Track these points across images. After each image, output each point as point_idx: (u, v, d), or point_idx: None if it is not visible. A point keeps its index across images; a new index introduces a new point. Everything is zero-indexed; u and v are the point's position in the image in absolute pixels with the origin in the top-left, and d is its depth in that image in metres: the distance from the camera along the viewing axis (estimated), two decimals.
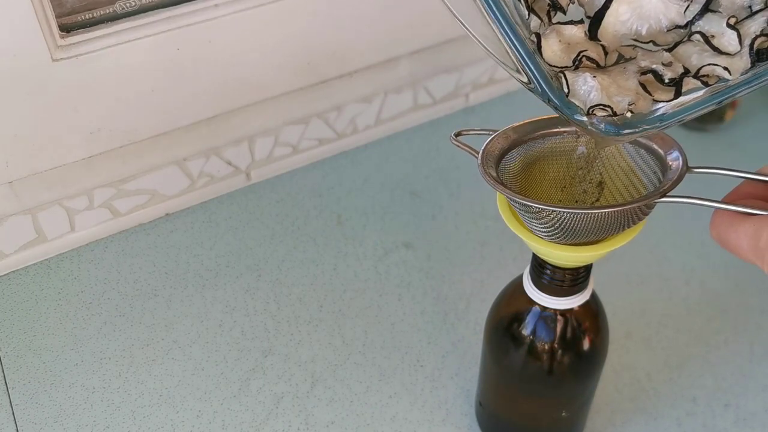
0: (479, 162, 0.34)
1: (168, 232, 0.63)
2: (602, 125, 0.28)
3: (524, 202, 0.32)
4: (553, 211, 0.31)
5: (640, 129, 0.28)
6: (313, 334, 0.56)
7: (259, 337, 0.55)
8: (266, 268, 0.60)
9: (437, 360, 0.54)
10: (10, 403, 0.51)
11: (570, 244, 0.34)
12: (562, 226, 0.32)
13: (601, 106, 0.28)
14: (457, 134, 0.37)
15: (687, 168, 0.32)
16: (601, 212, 0.31)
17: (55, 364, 0.54)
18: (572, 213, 0.31)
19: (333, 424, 0.50)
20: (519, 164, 0.36)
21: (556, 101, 0.28)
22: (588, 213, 0.31)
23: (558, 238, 0.34)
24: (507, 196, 0.33)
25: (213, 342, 0.55)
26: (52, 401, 0.52)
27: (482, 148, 0.35)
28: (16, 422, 0.50)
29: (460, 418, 0.50)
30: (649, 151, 0.34)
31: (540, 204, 0.31)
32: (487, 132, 0.36)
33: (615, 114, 0.28)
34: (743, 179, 0.31)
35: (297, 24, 0.59)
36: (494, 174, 0.34)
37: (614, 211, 0.31)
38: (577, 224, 0.32)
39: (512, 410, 0.46)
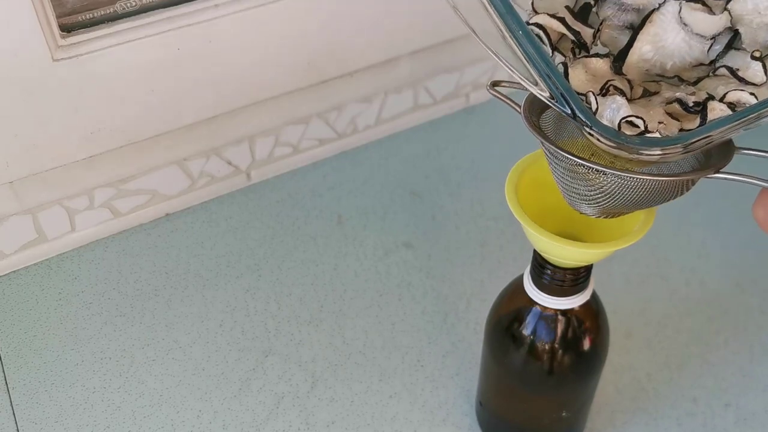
0: (523, 113, 0.32)
1: (168, 232, 0.63)
2: (628, 141, 0.26)
3: (577, 161, 0.29)
4: (603, 173, 0.30)
5: (664, 143, 0.26)
6: (313, 334, 0.56)
7: (260, 337, 0.56)
8: (266, 268, 0.60)
9: (437, 360, 0.54)
10: (11, 403, 0.51)
11: (603, 215, 0.33)
12: (605, 191, 0.31)
13: (632, 120, 0.26)
14: (494, 84, 0.35)
15: (735, 147, 0.31)
16: (655, 180, 0.29)
17: (55, 363, 0.54)
18: (625, 177, 0.29)
19: (333, 424, 0.50)
20: (552, 126, 0.34)
21: (580, 113, 0.26)
22: (640, 179, 0.29)
23: (593, 203, 0.32)
24: (550, 152, 0.31)
25: (213, 342, 0.55)
26: (53, 401, 0.52)
27: (525, 99, 0.33)
28: (16, 422, 0.51)
29: (460, 418, 0.50)
30: None
31: (594, 164, 0.29)
32: (523, 88, 0.35)
33: (647, 129, 0.27)
34: None
35: (297, 24, 0.59)
36: (537, 122, 0.32)
37: (666, 181, 0.30)
38: (622, 190, 0.30)
39: (513, 410, 0.46)
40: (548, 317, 0.40)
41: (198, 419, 0.51)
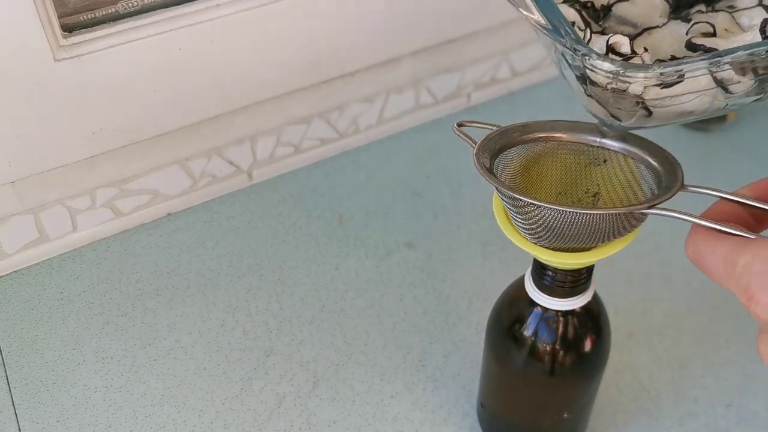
0: (474, 152, 0.34)
1: (170, 232, 0.63)
2: (614, 65, 0.29)
3: (512, 195, 0.32)
4: (537, 207, 0.31)
5: (641, 68, 0.29)
6: (314, 333, 0.56)
7: (261, 336, 0.56)
8: (268, 268, 0.60)
9: (439, 360, 0.54)
10: (13, 403, 0.52)
11: (553, 249, 0.34)
12: (546, 225, 0.32)
13: (618, 43, 0.30)
14: (460, 124, 0.37)
15: (682, 186, 0.32)
16: (585, 213, 0.31)
17: (57, 363, 0.54)
18: (556, 211, 0.31)
19: (335, 424, 0.50)
20: (517, 164, 0.36)
21: (572, 39, 0.30)
22: (570, 212, 0.31)
23: (541, 239, 0.33)
24: (496, 188, 0.33)
25: (215, 342, 0.55)
26: (55, 401, 0.52)
27: (481, 140, 0.35)
28: (18, 422, 0.51)
29: (461, 418, 0.50)
30: (648, 166, 0.34)
31: (526, 198, 0.31)
32: (490, 126, 0.36)
33: (634, 52, 0.30)
34: (718, 198, 0.30)
35: (299, 24, 0.59)
36: (487, 165, 0.34)
37: (596, 215, 0.31)
38: (560, 225, 0.31)
39: (514, 411, 0.46)
40: (549, 318, 0.40)
41: (199, 419, 0.51)
